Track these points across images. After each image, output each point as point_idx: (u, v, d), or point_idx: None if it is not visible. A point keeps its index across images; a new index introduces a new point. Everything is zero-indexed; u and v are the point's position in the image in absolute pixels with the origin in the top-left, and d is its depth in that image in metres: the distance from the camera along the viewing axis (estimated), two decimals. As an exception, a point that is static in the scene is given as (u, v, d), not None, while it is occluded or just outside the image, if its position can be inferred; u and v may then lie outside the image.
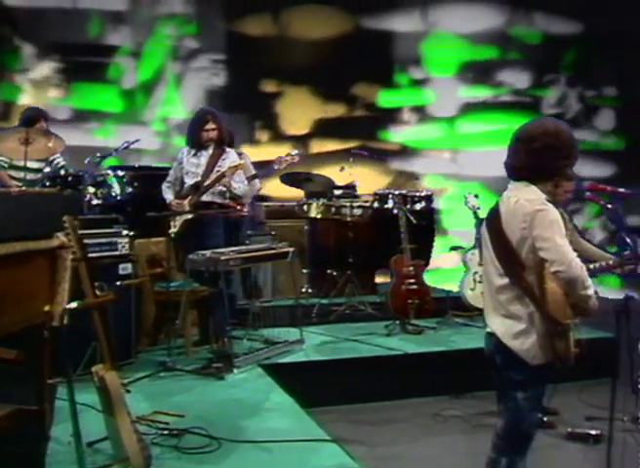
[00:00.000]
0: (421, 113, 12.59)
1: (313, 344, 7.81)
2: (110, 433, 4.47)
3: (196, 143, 7.66)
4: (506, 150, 4.04)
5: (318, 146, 11.71)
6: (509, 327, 3.91)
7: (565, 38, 13.15)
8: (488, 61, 12.89)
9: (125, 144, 8.66)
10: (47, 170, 8.02)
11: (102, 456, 4.75)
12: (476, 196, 8.57)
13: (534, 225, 3.77)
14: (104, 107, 11.12)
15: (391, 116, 12.48)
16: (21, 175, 7.51)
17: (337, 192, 9.72)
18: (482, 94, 12.80)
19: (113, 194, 7.96)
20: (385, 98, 12.50)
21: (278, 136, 11.95)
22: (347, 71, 11.68)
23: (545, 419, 6.62)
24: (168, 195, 7.67)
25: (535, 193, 3.90)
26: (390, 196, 9.30)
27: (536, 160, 3.90)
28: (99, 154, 8.39)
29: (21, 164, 7.25)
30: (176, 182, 7.73)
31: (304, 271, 9.71)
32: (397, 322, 8.38)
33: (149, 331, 7.55)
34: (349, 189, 9.98)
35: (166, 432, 5.21)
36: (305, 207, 9.48)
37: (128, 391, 5.89)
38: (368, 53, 11.96)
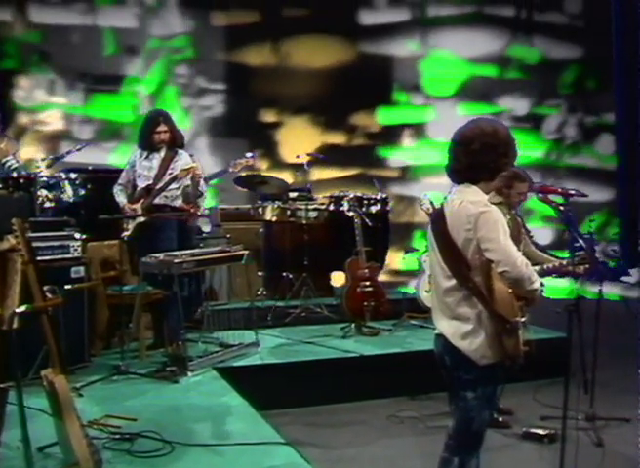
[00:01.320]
0: (421, 136, 12.72)
1: (269, 347, 7.79)
2: (60, 438, 4.42)
3: (147, 146, 7.62)
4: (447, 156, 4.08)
5: (318, 174, 11.60)
6: (457, 328, 3.94)
7: (564, 62, 13.38)
8: (487, 86, 13.07)
9: (78, 146, 8.61)
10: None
11: (53, 461, 4.71)
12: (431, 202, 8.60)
13: (478, 227, 3.80)
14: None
15: (390, 141, 12.60)
16: (-27, 177, 7.43)
17: (292, 195, 9.71)
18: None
19: (66, 197, 7.88)
20: (385, 119, 12.65)
21: (277, 164, 12.02)
22: (347, 99, 11.82)
23: (500, 419, 6.66)
24: (120, 198, 7.64)
25: (478, 194, 3.94)
26: (346, 198, 9.29)
27: (475, 160, 3.92)
28: (50, 156, 8.33)
29: (-27, 166, 7.17)
30: (127, 185, 7.69)
31: (260, 274, 9.69)
32: (353, 324, 8.38)
33: (103, 335, 7.51)
34: (305, 192, 9.97)
35: (118, 436, 5.17)
36: (261, 209, 9.47)
37: (80, 395, 5.88)
38: (368, 80, 12.08)
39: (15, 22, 10.80)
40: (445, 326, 4.01)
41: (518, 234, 6.66)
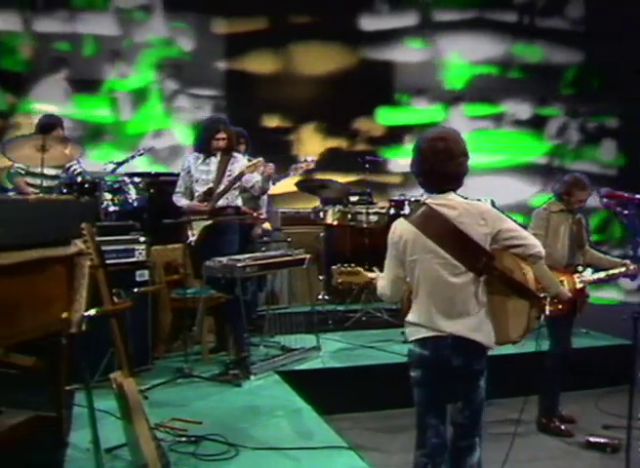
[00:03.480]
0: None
1: (330, 351, 7.79)
2: (129, 439, 4.47)
3: (205, 151, 7.65)
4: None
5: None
6: (466, 324, 4.08)
7: (566, 66, 13.29)
8: (489, 89, 12.97)
9: (140, 152, 8.69)
10: (63, 176, 8.03)
11: (121, 463, 4.76)
12: None
13: (493, 220, 4.08)
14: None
15: (392, 147, 12.50)
16: (38, 181, 7.51)
17: (352, 199, 9.71)
18: (483, 124, 12.83)
19: (130, 201, 7.96)
20: (387, 123, 12.59)
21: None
22: (349, 105, 11.77)
23: (562, 427, 6.61)
24: (183, 202, 7.67)
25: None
26: (406, 202, 9.27)
27: (462, 171, 4.15)
28: (114, 161, 8.42)
29: (38, 171, 7.24)
30: (186, 192, 7.70)
31: (321, 278, 9.71)
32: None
33: (166, 338, 7.56)
34: (365, 196, 9.97)
35: (183, 439, 5.21)
36: (322, 213, 9.49)
37: (145, 398, 5.91)
38: (370, 85, 12.06)
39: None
40: (452, 325, 4.07)
41: (581, 238, 6.63)
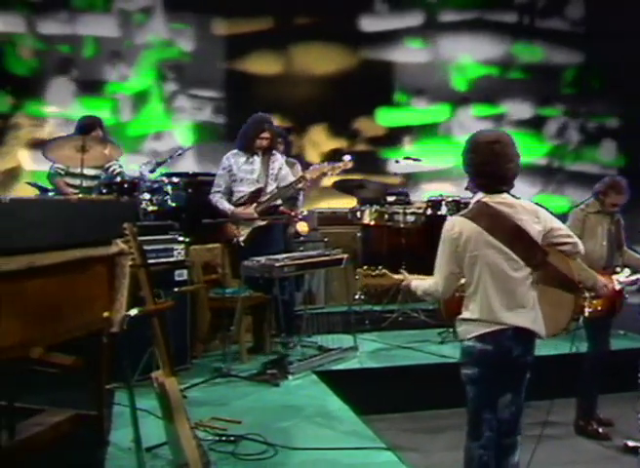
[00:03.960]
0: (423, 140, 12.61)
1: (367, 351, 7.79)
2: (170, 438, 4.49)
3: (248, 149, 7.68)
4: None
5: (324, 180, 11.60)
6: (526, 315, 4.23)
7: (566, 67, 13.23)
8: (490, 89, 12.93)
9: (179, 151, 8.74)
10: (103, 177, 8.07)
11: (161, 462, 4.80)
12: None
13: (546, 219, 4.32)
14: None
15: (392, 148, 12.43)
16: (78, 182, 7.57)
17: (389, 199, 9.70)
18: (483, 125, 12.76)
19: (168, 201, 7.99)
20: (387, 124, 12.56)
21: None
22: (350, 106, 11.75)
23: (600, 431, 6.56)
24: (225, 205, 7.67)
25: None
26: (443, 202, 9.26)
27: (517, 172, 4.34)
28: (154, 160, 8.46)
29: (78, 171, 7.30)
30: (226, 191, 7.75)
31: (358, 277, 9.68)
32: (450, 329, 8.32)
33: (204, 338, 7.59)
34: (402, 196, 9.96)
35: (223, 438, 5.23)
36: (359, 213, 9.49)
37: (184, 397, 5.94)
38: (371, 86, 12.03)
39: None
40: (514, 317, 4.19)
41: (620, 239, 6.59)
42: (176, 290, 6.72)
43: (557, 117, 13.27)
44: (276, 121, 11.48)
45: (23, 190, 10.25)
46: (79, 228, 4.33)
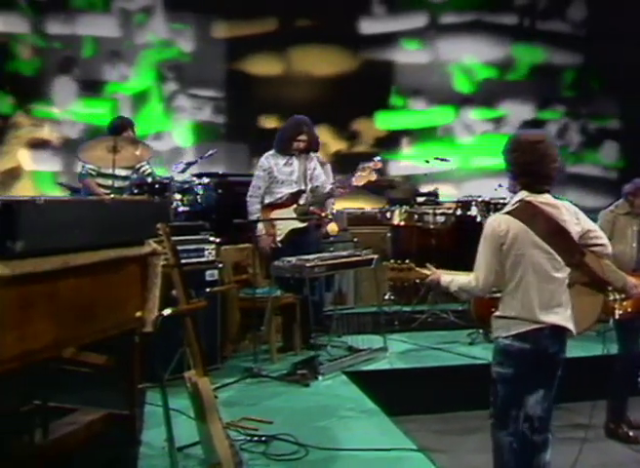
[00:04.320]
0: (424, 142, 12.59)
1: (396, 352, 7.78)
2: (202, 438, 4.50)
3: (285, 151, 7.74)
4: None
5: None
6: (563, 314, 4.29)
7: (566, 69, 13.19)
8: (490, 92, 12.94)
9: (209, 152, 8.76)
10: (134, 177, 8.11)
11: (192, 461, 4.81)
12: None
13: (583, 221, 4.38)
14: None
15: (391, 149, 12.43)
16: (109, 182, 7.61)
17: (419, 199, 9.69)
18: (483, 127, 12.75)
19: (199, 201, 8.01)
20: (386, 125, 12.56)
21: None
22: (349, 107, 11.76)
23: (631, 434, 6.52)
24: (259, 226, 7.70)
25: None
26: (473, 203, 9.23)
27: (559, 172, 4.37)
28: (184, 161, 8.48)
29: (109, 172, 7.34)
30: (263, 194, 7.81)
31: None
32: (480, 331, 8.30)
33: (234, 338, 7.61)
34: (432, 196, 9.94)
35: (254, 438, 5.24)
36: (388, 214, 9.48)
37: (215, 397, 5.96)
38: (370, 87, 12.05)
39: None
40: (551, 316, 4.25)
41: None
42: (208, 290, 6.74)
43: (558, 119, 13.22)
44: (275, 122, 11.58)
45: (24, 190, 10.34)
46: (112, 228, 4.35)
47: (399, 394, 6.83)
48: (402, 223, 9.48)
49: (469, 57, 12.75)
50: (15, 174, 10.74)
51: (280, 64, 12.06)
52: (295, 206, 7.61)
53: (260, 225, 7.68)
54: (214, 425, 4.22)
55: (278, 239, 7.61)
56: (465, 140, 12.70)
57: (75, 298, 4.05)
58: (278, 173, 7.72)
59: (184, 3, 11.55)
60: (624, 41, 12.08)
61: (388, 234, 9.93)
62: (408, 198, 9.63)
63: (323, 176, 7.87)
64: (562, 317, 4.27)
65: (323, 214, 7.79)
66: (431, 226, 9.25)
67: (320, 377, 6.81)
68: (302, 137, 7.70)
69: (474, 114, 12.80)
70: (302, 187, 7.73)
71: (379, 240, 9.79)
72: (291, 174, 7.72)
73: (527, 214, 4.26)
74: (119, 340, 4.71)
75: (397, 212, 9.43)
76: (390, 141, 12.50)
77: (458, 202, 9.55)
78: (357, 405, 6.25)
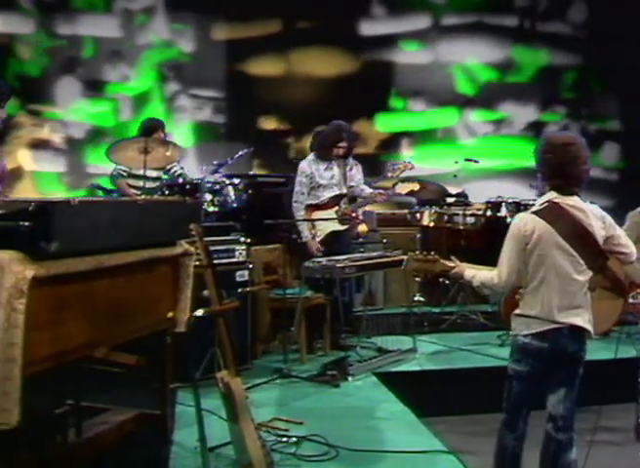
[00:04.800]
0: (424, 144, 12.54)
1: (426, 353, 7.78)
2: (234, 438, 4.51)
3: (326, 157, 7.84)
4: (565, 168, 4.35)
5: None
6: (582, 315, 4.32)
7: (567, 70, 13.08)
8: (490, 93, 12.83)
9: (240, 153, 8.78)
10: (165, 178, 8.14)
11: (223, 461, 4.83)
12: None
13: (611, 225, 4.37)
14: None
15: (391, 151, 12.37)
16: (140, 183, 7.66)
17: (449, 200, 9.66)
18: (484, 129, 12.69)
19: (229, 201, 8.03)
20: (386, 127, 12.49)
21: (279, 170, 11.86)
22: (349, 109, 11.57)
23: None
24: (306, 232, 7.80)
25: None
26: (503, 204, 9.20)
27: (585, 176, 4.37)
28: (215, 162, 8.50)
29: (140, 173, 7.38)
30: (308, 193, 7.90)
31: (417, 279, 9.67)
32: (510, 332, 8.26)
33: (264, 338, 7.62)
34: (461, 197, 9.92)
35: (285, 439, 5.25)
36: (418, 215, 9.47)
37: (246, 397, 5.98)
38: (370, 89, 11.99)
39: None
40: (570, 317, 4.28)
41: None
42: (239, 290, 6.77)
43: (558, 121, 13.09)
44: (275, 123, 11.56)
45: (25, 191, 10.39)
46: (145, 229, 4.37)
47: (429, 395, 6.83)
48: (432, 224, 9.45)
49: (470, 58, 12.65)
50: (16, 174, 10.78)
51: (280, 66, 12.01)
52: (336, 208, 7.67)
53: (306, 232, 7.77)
54: (246, 426, 4.23)
55: (318, 240, 7.69)
56: (466, 142, 12.63)
57: (109, 299, 4.08)
58: (320, 177, 7.85)
59: (185, 3, 11.52)
60: (625, 42, 12.01)
61: (418, 235, 9.92)
62: (437, 199, 9.61)
63: (358, 175, 8.06)
64: (581, 318, 4.31)
65: (354, 216, 7.83)
66: (461, 227, 9.22)
67: (350, 378, 6.83)
68: (342, 144, 7.83)
69: (475, 116, 12.72)
70: (343, 191, 7.85)
71: (408, 241, 9.77)
72: (331, 178, 7.86)
73: (553, 214, 4.28)
74: (151, 340, 4.75)
75: (427, 213, 9.41)
76: (390, 143, 12.43)
77: (487, 203, 9.51)
78: (387, 406, 6.27)
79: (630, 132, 12.87)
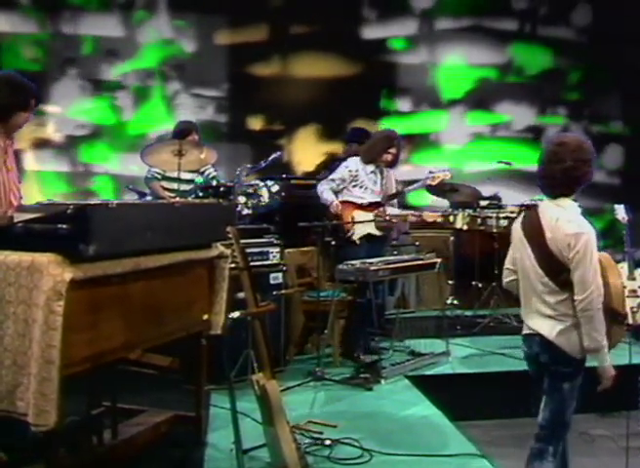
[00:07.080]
0: (423, 146, 12.49)
1: (459, 357, 7.76)
2: (269, 441, 4.52)
3: (374, 161, 7.86)
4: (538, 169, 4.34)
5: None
6: (553, 326, 4.21)
7: (570, 72, 13.00)
8: (489, 95, 12.74)
9: (273, 156, 8.79)
10: (199, 180, 8.17)
11: (258, 464, 4.81)
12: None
13: (575, 246, 4.07)
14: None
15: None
16: (174, 186, 7.69)
17: (482, 203, 9.63)
18: (483, 131, 12.61)
19: (263, 204, 8.04)
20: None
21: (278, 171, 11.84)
22: (348, 110, 11.62)
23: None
24: (329, 195, 7.83)
25: (572, 211, 4.25)
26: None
27: (570, 176, 4.23)
28: (248, 166, 8.51)
29: (175, 175, 7.40)
30: (339, 187, 7.87)
31: (450, 282, 9.66)
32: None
33: (297, 341, 7.63)
34: (495, 200, 9.89)
35: (319, 442, 5.24)
36: (451, 217, 9.45)
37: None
38: (369, 91, 12.03)
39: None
40: (540, 324, 4.27)
41: None
42: (275, 293, 6.79)
43: (560, 123, 12.98)
44: (276, 124, 11.54)
45: (26, 192, 10.42)
46: (182, 231, 4.40)
47: (462, 399, 6.81)
48: (465, 227, 9.44)
49: (467, 61, 12.57)
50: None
51: (280, 67, 11.99)
52: (376, 211, 7.69)
53: (328, 195, 7.79)
54: (281, 428, 4.24)
55: (355, 237, 7.67)
56: (461, 144, 12.57)
57: (145, 301, 4.12)
58: (365, 178, 7.82)
59: (187, 3, 11.55)
60: (628, 44, 11.93)
61: (451, 238, 9.90)
62: (471, 202, 9.58)
63: (393, 182, 8.10)
64: (549, 327, 4.23)
65: (388, 218, 7.85)
66: (494, 230, 9.18)
67: (383, 381, 6.81)
68: (393, 151, 7.82)
69: (471, 118, 12.65)
70: (383, 199, 7.87)
71: (441, 244, 9.75)
72: (375, 182, 7.84)
73: (526, 218, 4.38)
74: (187, 343, 4.78)
75: (460, 215, 9.39)
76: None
77: (521, 206, 9.46)
78: (420, 409, 6.25)
79: (633, 134, 12.80)
